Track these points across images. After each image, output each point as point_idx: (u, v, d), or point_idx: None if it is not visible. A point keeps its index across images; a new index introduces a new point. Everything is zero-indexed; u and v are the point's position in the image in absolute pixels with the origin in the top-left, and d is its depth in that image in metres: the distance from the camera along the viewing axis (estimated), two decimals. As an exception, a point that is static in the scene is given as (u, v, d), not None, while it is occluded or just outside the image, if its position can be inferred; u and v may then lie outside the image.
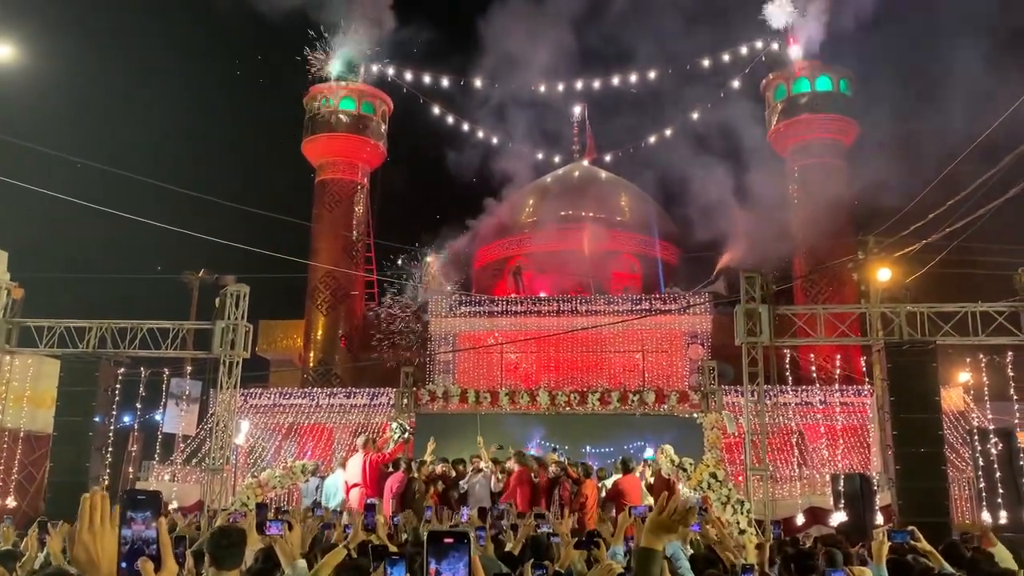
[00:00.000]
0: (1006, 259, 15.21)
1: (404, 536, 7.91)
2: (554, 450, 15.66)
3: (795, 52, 28.74)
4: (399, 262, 30.32)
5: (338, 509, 12.23)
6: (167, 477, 19.74)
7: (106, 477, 15.60)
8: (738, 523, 12.16)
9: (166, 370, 20.48)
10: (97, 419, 15.33)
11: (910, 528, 5.43)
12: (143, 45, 45.56)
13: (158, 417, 21.71)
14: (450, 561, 1.78)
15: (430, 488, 13.00)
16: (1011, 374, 16.53)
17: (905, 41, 27.23)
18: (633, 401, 18.01)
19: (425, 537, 1.84)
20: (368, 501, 9.93)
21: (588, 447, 17.36)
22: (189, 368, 22.11)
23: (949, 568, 4.77)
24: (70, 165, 18.36)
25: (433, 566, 1.78)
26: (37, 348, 15.70)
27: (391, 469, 13.65)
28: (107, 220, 17.48)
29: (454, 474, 13.85)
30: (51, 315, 15.76)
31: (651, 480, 13.56)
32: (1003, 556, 5.48)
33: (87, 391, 15.32)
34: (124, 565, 1.95)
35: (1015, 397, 16.47)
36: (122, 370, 16.62)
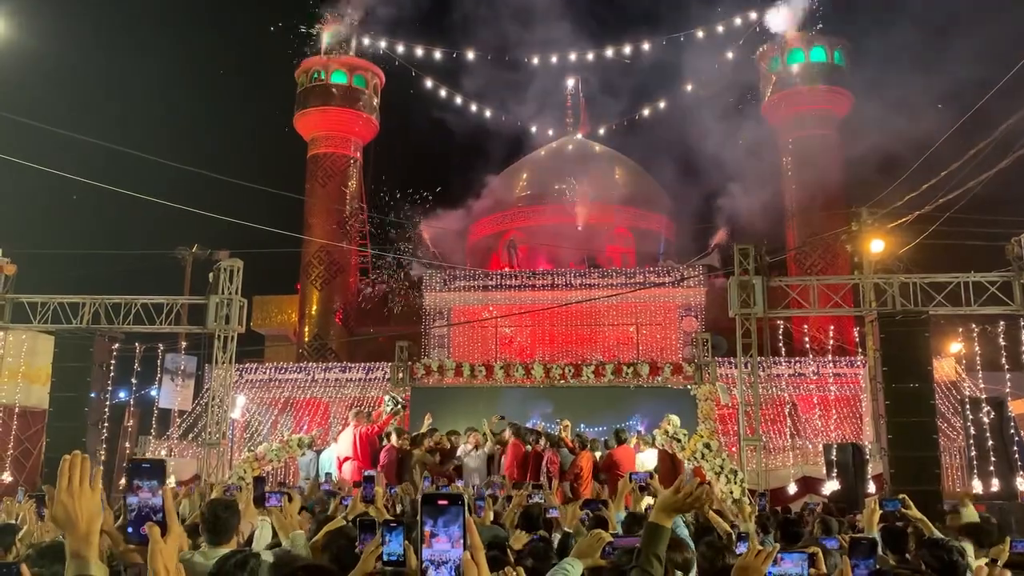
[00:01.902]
0: (999, 230, 15.24)
1: (400, 507, 7.97)
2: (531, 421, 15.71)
3: (790, 23, 28.56)
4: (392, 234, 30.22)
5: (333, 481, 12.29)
6: (164, 452, 19.81)
7: (103, 452, 15.65)
8: (731, 493, 12.28)
9: (161, 345, 20.47)
10: (92, 395, 15.34)
11: (901, 496, 5.50)
12: (133, 18, 45.08)
13: (154, 392, 21.75)
14: (445, 521, 1.80)
15: (430, 458, 13.06)
16: (1003, 344, 16.63)
17: (899, 10, 27.09)
18: (627, 373, 18.09)
19: (419, 499, 1.86)
20: (366, 473, 9.99)
21: (583, 424, 17.38)
22: (184, 343, 22.12)
23: (940, 534, 4.83)
24: (62, 140, 18.21)
25: (428, 528, 1.80)
26: (31, 324, 15.67)
27: (383, 442, 13.72)
28: (100, 195, 17.41)
29: (449, 446, 13.92)
30: (44, 291, 15.72)
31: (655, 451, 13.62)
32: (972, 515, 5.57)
33: (82, 367, 15.31)
34: (131, 530, 1.99)
35: (1007, 367, 16.58)
36: (116, 346, 16.60)
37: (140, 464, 2.02)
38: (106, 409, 15.96)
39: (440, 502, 1.82)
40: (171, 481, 17.15)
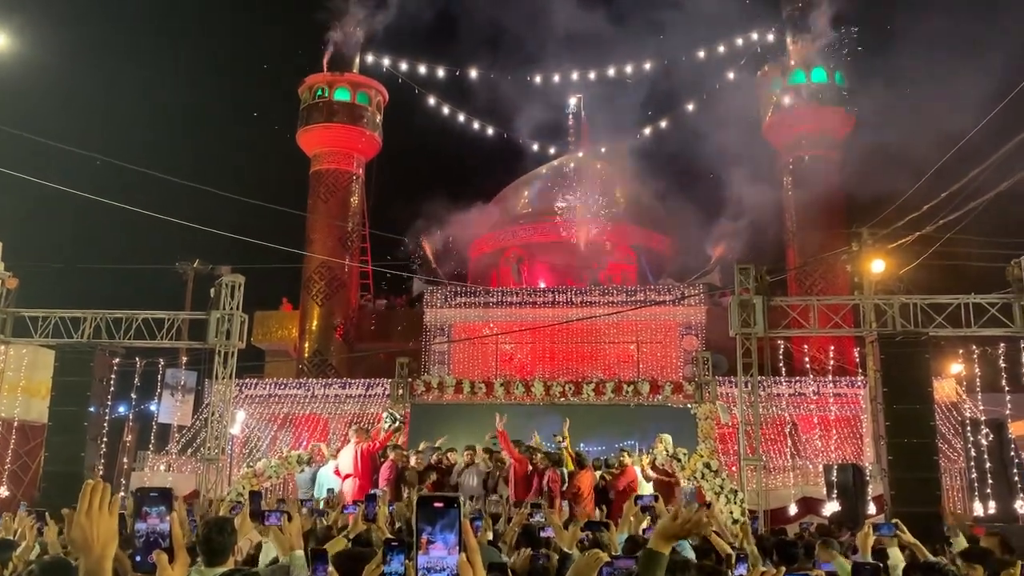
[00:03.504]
0: (999, 251, 15.27)
1: (398, 524, 7.96)
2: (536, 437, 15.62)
3: (791, 44, 28.78)
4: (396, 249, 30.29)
5: (328, 498, 12.27)
6: (162, 467, 19.76)
7: (101, 467, 15.63)
8: (731, 513, 12.25)
9: (161, 360, 20.46)
10: (92, 409, 15.34)
11: (894, 521, 5.51)
12: (136, 32, 45.36)
13: (153, 407, 21.72)
14: (442, 526, 1.79)
15: (426, 477, 13.05)
16: (1003, 365, 16.62)
17: (901, 31, 27.27)
18: (628, 392, 18.07)
19: (415, 502, 1.85)
20: (371, 492, 9.98)
21: (583, 443, 17.31)
22: (184, 358, 22.11)
23: (932, 559, 4.84)
24: (64, 154, 18.28)
25: (425, 535, 1.79)
26: (32, 338, 15.69)
27: (383, 458, 13.72)
28: (101, 210, 17.46)
29: (447, 463, 13.92)
30: (46, 305, 15.75)
31: (650, 472, 13.61)
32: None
33: (82, 381, 15.31)
34: (139, 558, 2.02)
35: (1007, 388, 16.56)
36: (117, 360, 16.61)
37: (149, 491, 2.07)
38: (105, 424, 15.95)
39: (436, 504, 1.81)
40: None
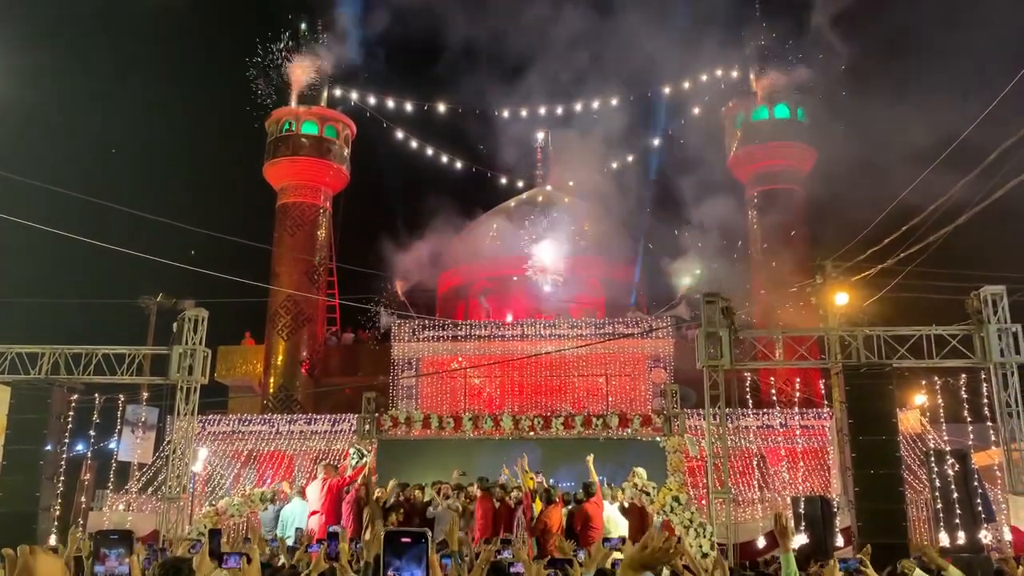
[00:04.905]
0: (960, 283, 15.53)
1: (363, 561, 7.78)
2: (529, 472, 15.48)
3: (755, 80, 29.34)
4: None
5: (293, 537, 12.02)
6: (122, 506, 19.25)
7: (57, 507, 15.20)
8: (700, 547, 12.18)
9: (121, 396, 20.02)
10: (48, 447, 14.94)
11: (859, 556, 5.54)
12: (98, 63, 44.97)
13: (113, 445, 21.20)
14: (408, 559, 1.77)
15: (391, 516, 12.84)
16: (964, 396, 16.83)
17: (863, 66, 27.93)
18: (597, 425, 18.00)
19: (382, 537, 1.83)
20: (331, 529, 9.78)
21: (552, 478, 17.16)
22: (146, 394, 21.66)
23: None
24: (20, 184, 17.95)
25: (392, 570, 1.77)
26: (-14, 374, 15.30)
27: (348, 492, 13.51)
28: (61, 242, 17.16)
29: (416, 498, 13.73)
30: (2, 340, 15.38)
31: (626, 505, 13.55)
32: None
33: (38, 418, 14.94)
34: None
35: (969, 419, 16.75)
36: (75, 397, 16.23)
37: (109, 534, 2.01)
38: (62, 462, 15.53)
39: (403, 539, 1.79)
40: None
